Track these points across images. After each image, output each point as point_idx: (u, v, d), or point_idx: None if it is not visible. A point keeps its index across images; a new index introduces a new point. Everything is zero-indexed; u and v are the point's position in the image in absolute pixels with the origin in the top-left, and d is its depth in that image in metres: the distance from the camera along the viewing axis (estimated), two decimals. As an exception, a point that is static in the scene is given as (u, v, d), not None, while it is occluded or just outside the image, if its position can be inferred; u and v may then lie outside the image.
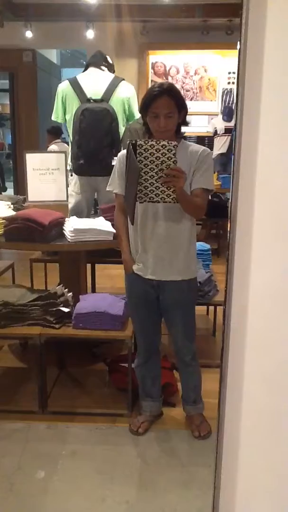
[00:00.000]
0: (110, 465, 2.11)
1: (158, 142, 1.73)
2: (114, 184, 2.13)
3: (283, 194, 1.13)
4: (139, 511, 1.89)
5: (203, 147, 2.07)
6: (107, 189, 2.19)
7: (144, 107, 1.95)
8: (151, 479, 2.05)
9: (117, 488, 1.99)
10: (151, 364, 2.30)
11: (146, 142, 1.73)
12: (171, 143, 1.73)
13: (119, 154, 2.13)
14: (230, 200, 1.14)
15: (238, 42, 1.13)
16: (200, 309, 2.84)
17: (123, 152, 2.08)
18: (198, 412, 2.32)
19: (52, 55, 8.14)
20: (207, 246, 3.16)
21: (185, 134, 2.16)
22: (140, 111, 2.02)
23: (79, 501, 1.93)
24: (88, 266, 3.29)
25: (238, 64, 1.10)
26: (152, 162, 1.74)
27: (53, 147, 5.42)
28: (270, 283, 1.17)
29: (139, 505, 1.91)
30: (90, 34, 5.63)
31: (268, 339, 1.20)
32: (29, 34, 5.66)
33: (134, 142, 1.75)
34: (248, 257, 1.17)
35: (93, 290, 3.51)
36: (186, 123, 2.04)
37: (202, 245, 3.11)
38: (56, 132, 5.59)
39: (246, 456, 1.25)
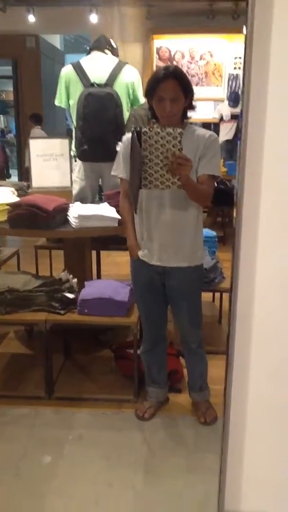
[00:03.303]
0: (116, 450, 2.12)
1: (163, 129, 1.70)
2: (119, 169, 2.10)
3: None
4: (145, 496, 1.90)
5: (210, 132, 2.03)
6: (112, 173, 2.16)
7: (150, 91, 1.91)
8: (157, 465, 2.05)
9: (123, 473, 1.99)
10: (157, 350, 2.30)
11: (151, 129, 1.70)
12: (176, 130, 1.70)
13: (124, 138, 2.10)
14: (236, 187, 1.12)
15: (245, 27, 1.10)
16: (206, 296, 2.82)
17: (128, 135, 2.06)
18: (204, 399, 2.32)
19: (56, 40, 8.06)
20: (213, 233, 3.13)
21: (190, 120, 2.11)
22: (145, 95, 1.97)
23: (85, 486, 1.94)
24: (94, 253, 3.28)
25: (245, 49, 1.07)
26: (157, 149, 1.72)
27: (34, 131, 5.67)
28: (276, 270, 1.16)
29: (145, 490, 1.92)
30: (93, 18, 5.54)
31: (274, 326, 1.19)
32: (31, 19, 5.58)
33: (139, 129, 1.72)
34: (254, 244, 1.15)
35: (99, 277, 3.50)
36: (192, 107, 2.00)
37: (208, 232, 3.09)
38: (37, 119, 5.82)
39: (252, 441, 1.24)
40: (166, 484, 1.94)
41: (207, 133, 2.00)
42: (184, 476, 1.98)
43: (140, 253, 2.10)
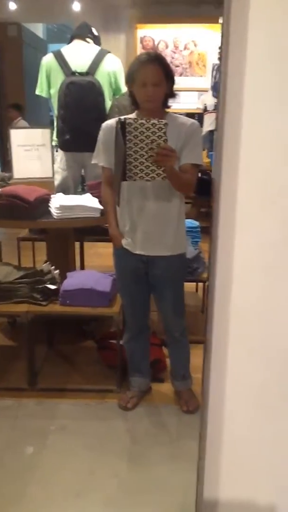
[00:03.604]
0: (99, 440, 2.13)
1: (148, 120, 1.69)
2: (99, 157, 2.08)
3: (267, 170, 1.11)
4: (129, 484, 1.91)
5: (192, 120, 2.02)
6: (92, 161, 2.14)
7: (131, 76, 1.90)
8: (140, 453, 2.07)
9: (106, 462, 2.00)
10: (140, 339, 2.30)
11: (136, 120, 1.69)
12: (161, 122, 1.69)
13: (103, 125, 2.07)
14: (213, 176, 1.12)
15: (221, 17, 1.10)
16: (189, 286, 2.83)
17: (108, 122, 2.04)
18: (187, 387, 2.33)
19: (39, 30, 7.95)
20: (196, 223, 3.14)
21: (174, 111, 2.10)
22: (127, 81, 1.95)
23: (68, 475, 1.94)
24: (77, 244, 3.27)
25: (222, 38, 1.06)
26: (142, 141, 1.70)
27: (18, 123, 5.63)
28: (254, 257, 1.16)
29: (128, 479, 1.93)
30: (76, 7, 5.47)
31: (252, 313, 1.19)
32: (12, 6, 5.48)
33: (123, 120, 1.71)
34: (232, 232, 1.15)
35: (82, 268, 3.49)
36: (173, 95, 1.99)
37: (191, 222, 3.09)
38: (17, 108, 5.75)
39: (230, 427, 1.26)
40: (149, 472, 1.96)
41: (189, 121, 2.00)
42: (168, 464, 2.00)
43: (123, 242, 2.10)
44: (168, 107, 2.02)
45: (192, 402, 2.30)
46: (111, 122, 2.04)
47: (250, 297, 1.17)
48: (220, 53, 1.12)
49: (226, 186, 1.13)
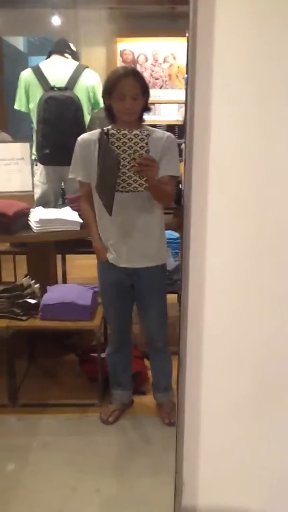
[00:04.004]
0: (81, 455, 2.11)
1: (130, 131, 1.71)
2: (77, 171, 2.08)
3: (235, 179, 1.14)
4: (110, 499, 1.90)
5: (168, 133, 2.05)
6: (69, 176, 2.15)
7: (109, 89, 1.91)
8: (122, 467, 2.06)
9: (88, 478, 1.99)
10: (123, 353, 2.31)
11: (119, 131, 1.71)
12: (143, 132, 1.72)
13: (79, 139, 2.07)
14: (183, 187, 1.14)
15: (187, 31, 1.13)
16: (170, 298, 2.84)
17: (84, 137, 2.05)
18: (169, 399, 2.33)
19: (19, 42, 7.95)
20: (176, 234, 3.16)
21: (155, 123, 2.13)
22: (104, 94, 1.96)
23: (50, 492, 1.92)
24: (59, 257, 3.26)
25: (187, 52, 1.09)
26: (124, 151, 1.73)
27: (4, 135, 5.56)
28: (226, 265, 1.18)
29: (110, 493, 1.92)
30: (56, 21, 5.51)
31: (225, 321, 1.21)
32: (-7, 21, 5.51)
33: (106, 131, 1.73)
34: (203, 244, 1.17)
35: (64, 282, 3.48)
36: (149, 108, 2.02)
37: (171, 234, 3.12)
38: None
39: (206, 437, 1.27)
40: (132, 486, 1.95)
41: (164, 134, 2.03)
42: (150, 477, 1.99)
43: (108, 256, 2.10)
44: (143, 120, 2.05)
45: (174, 414, 2.29)
46: (87, 136, 2.06)
47: (222, 311, 1.19)
48: (187, 66, 1.15)
49: (197, 197, 1.16)
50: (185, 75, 6.48)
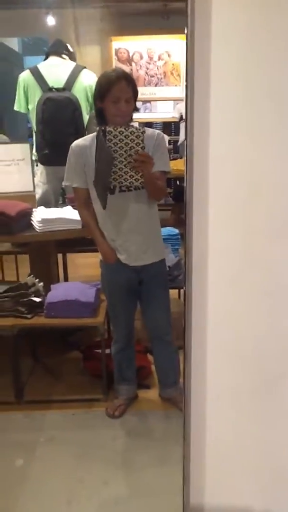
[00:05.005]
0: (87, 448, 2.16)
1: (127, 128, 1.76)
2: (72, 178, 2.11)
3: (236, 177, 1.18)
4: (117, 490, 1.95)
5: (157, 131, 2.12)
6: (64, 183, 2.17)
7: (103, 92, 1.94)
8: (129, 459, 2.10)
9: (95, 470, 2.04)
10: (128, 349, 2.35)
11: (116, 128, 1.76)
12: (139, 129, 1.78)
13: (73, 146, 2.09)
14: (185, 184, 1.18)
15: (185, 28, 1.16)
16: (171, 293, 2.88)
17: (78, 143, 2.08)
18: (180, 392, 2.36)
19: (13, 43, 7.96)
20: (175, 231, 3.20)
21: (151, 121, 2.18)
22: (96, 97, 1.99)
23: (59, 484, 1.97)
24: (60, 256, 3.30)
25: (186, 50, 1.13)
26: (121, 148, 1.77)
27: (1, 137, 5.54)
28: (228, 264, 1.23)
29: (117, 485, 1.97)
30: (50, 21, 5.53)
31: (228, 316, 1.26)
32: (-13, 22, 5.52)
33: (104, 128, 1.77)
34: (205, 240, 1.21)
35: (66, 280, 3.52)
36: (137, 109, 2.06)
37: (170, 230, 3.16)
38: None
39: (212, 427, 1.31)
40: (138, 477, 2.00)
41: (154, 132, 2.08)
42: (156, 468, 2.04)
43: (120, 257, 2.12)
44: (132, 120, 2.08)
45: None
46: (81, 142, 2.09)
47: (225, 303, 1.24)
48: (186, 64, 1.18)
49: (198, 194, 1.20)
50: (181, 72, 6.50)
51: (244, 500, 1.41)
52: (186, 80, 1.19)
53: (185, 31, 1.18)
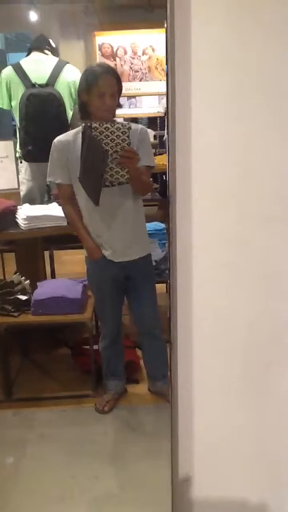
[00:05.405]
0: (78, 444, 2.17)
1: (112, 124, 1.76)
2: (55, 174, 2.10)
3: (217, 167, 1.19)
4: (109, 484, 1.96)
5: (141, 126, 2.12)
6: (48, 179, 2.16)
7: (88, 86, 1.93)
8: (119, 454, 2.12)
9: (87, 465, 2.04)
10: (116, 344, 2.35)
11: (101, 124, 1.75)
12: (125, 125, 1.78)
13: (56, 141, 2.08)
14: (167, 177, 1.18)
15: (165, 21, 1.17)
16: (158, 287, 2.90)
17: (60, 139, 2.07)
18: (168, 386, 2.37)
19: (-4, 39, 7.88)
20: (161, 225, 3.21)
21: (136, 116, 2.18)
22: (81, 91, 1.98)
23: (50, 481, 1.97)
24: (47, 253, 3.29)
25: (166, 43, 1.13)
26: (106, 144, 1.77)
27: None
28: (212, 255, 1.24)
29: (108, 479, 1.98)
30: (33, 16, 5.48)
31: (213, 309, 1.27)
32: None
33: (90, 124, 1.76)
34: (189, 231, 1.22)
35: (53, 277, 3.51)
36: (120, 105, 2.05)
37: (157, 225, 3.16)
38: None
39: (200, 418, 1.32)
40: (129, 471, 2.01)
41: (138, 126, 2.08)
42: (146, 461, 2.05)
43: (105, 253, 2.12)
44: (115, 116, 2.08)
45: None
46: (63, 137, 2.08)
47: (210, 294, 1.25)
48: (166, 58, 1.19)
49: (181, 187, 1.20)
50: (165, 66, 6.48)
51: (235, 491, 1.43)
52: (167, 73, 1.19)
53: (165, 25, 1.18)
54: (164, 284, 3.40)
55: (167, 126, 1.17)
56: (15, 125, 5.15)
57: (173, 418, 1.28)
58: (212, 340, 1.27)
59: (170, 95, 1.15)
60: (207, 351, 1.27)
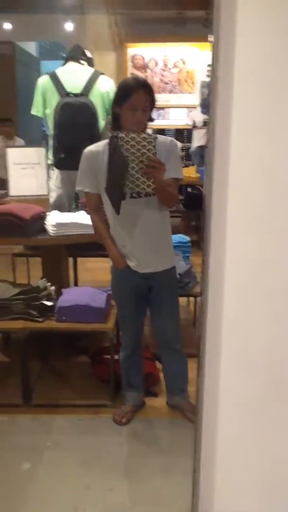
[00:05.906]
0: (94, 455, 2.16)
1: (139, 134, 1.77)
2: (83, 183, 2.13)
3: (255, 185, 1.18)
4: (123, 498, 1.94)
5: (170, 138, 2.13)
6: (77, 188, 2.19)
7: (121, 99, 1.96)
8: (135, 467, 2.10)
9: (101, 477, 2.03)
10: (136, 355, 2.35)
11: (127, 134, 1.77)
12: (151, 136, 1.79)
13: (86, 151, 2.12)
14: (204, 192, 1.18)
15: (210, 36, 1.17)
16: (181, 300, 2.89)
17: (91, 149, 2.10)
18: (187, 400, 2.35)
19: (31, 47, 8.05)
20: (186, 238, 3.21)
21: (164, 127, 2.20)
22: (114, 104, 2.01)
23: (65, 490, 1.96)
24: (70, 260, 3.31)
25: (212, 56, 1.14)
26: (133, 154, 1.79)
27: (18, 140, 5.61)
28: (244, 273, 1.23)
29: (122, 492, 1.96)
30: (68, 26, 5.60)
31: (243, 327, 1.25)
32: (7, 26, 5.61)
33: (116, 135, 1.78)
34: (223, 248, 1.22)
35: (76, 284, 3.53)
36: (152, 119, 2.07)
37: (181, 237, 3.16)
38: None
39: (224, 440, 1.30)
40: (144, 485, 1.99)
41: (167, 139, 2.09)
42: (162, 477, 2.03)
43: (130, 263, 2.13)
44: (146, 129, 2.09)
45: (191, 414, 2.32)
46: (93, 148, 2.10)
47: (241, 313, 1.23)
48: (209, 71, 1.19)
49: (217, 202, 1.20)
50: (195, 80, 6.53)
51: (257, 511, 1.40)
52: (210, 85, 1.19)
53: (209, 38, 1.18)
54: (186, 298, 3.41)
55: (207, 138, 1.17)
56: (44, 131, 5.21)
57: (197, 435, 1.26)
58: (240, 358, 1.25)
59: (211, 108, 1.15)
60: (234, 369, 1.26)
